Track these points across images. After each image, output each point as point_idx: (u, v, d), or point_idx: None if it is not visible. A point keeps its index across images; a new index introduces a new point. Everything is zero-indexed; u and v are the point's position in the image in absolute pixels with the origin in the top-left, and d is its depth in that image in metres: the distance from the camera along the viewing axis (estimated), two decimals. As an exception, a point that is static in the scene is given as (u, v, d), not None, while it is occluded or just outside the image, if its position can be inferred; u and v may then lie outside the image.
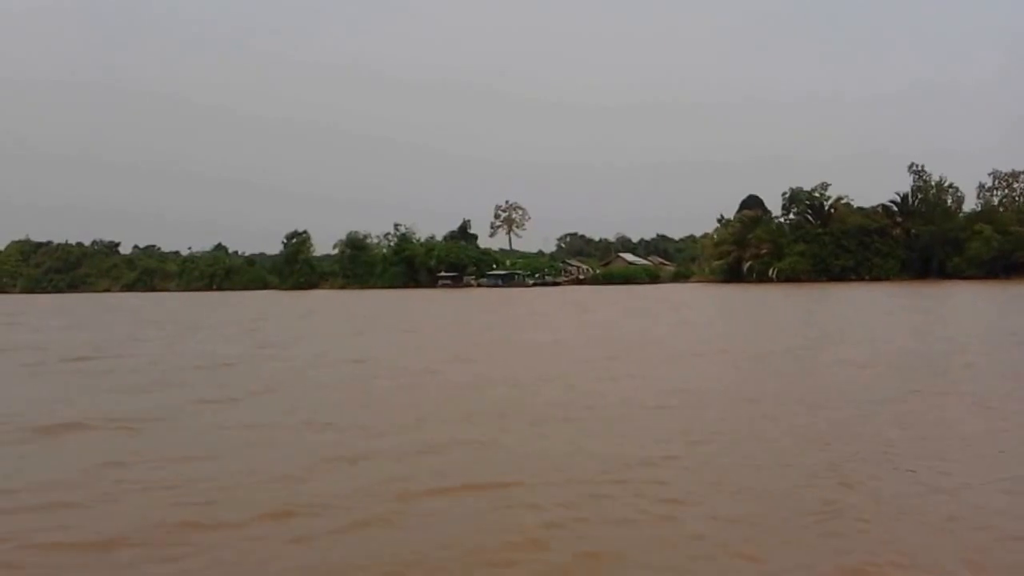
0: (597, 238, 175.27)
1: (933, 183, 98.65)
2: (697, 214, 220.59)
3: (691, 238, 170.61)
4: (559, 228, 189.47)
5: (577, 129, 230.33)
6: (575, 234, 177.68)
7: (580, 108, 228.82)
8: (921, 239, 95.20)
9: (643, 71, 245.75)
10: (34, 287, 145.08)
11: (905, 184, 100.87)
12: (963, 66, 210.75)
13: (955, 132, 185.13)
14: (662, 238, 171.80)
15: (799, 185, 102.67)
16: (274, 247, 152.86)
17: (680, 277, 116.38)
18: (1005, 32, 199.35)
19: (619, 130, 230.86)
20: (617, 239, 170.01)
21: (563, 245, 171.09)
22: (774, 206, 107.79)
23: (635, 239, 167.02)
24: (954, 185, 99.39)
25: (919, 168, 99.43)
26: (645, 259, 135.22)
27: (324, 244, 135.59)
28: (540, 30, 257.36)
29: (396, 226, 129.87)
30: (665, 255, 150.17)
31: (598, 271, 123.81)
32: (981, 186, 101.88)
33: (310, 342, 25.41)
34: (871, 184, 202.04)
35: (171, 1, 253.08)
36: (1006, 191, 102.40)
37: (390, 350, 22.01)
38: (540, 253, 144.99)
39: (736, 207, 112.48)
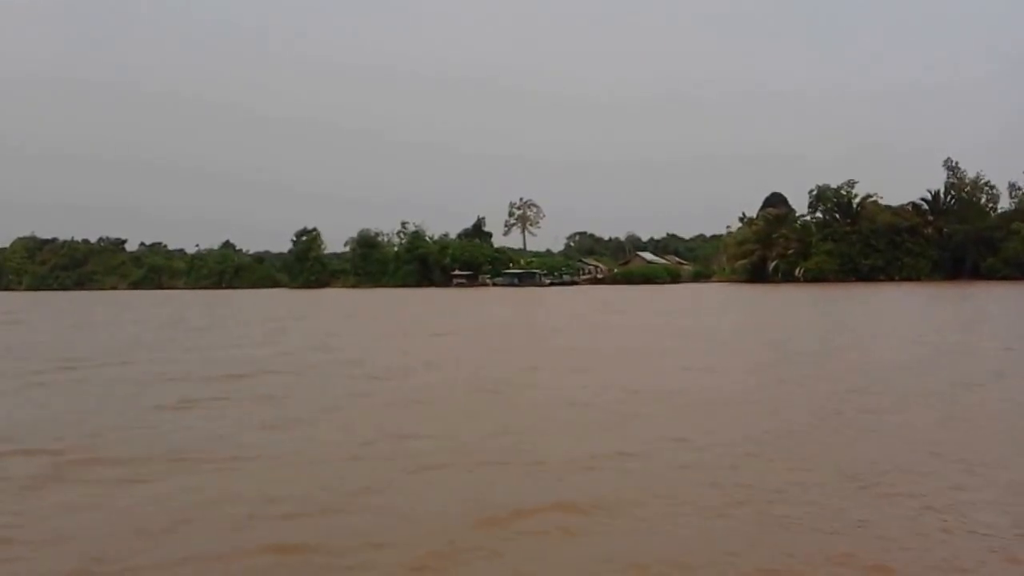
0: (607, 237, 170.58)
1: (968, 180, 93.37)
2: (705, 213, 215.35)
3: (701, 237, 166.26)
4: (565, 227, 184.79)
5: (580, 126, 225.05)
6: (584, 233, 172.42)
7: (584, 105, 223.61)
8: (954, 238, 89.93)
9: (645, 67, 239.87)
10: (40, 285, 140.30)
11: (915, 180, 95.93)
12: (968, 64, 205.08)
13: (958, 130, 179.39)
14: (672, 237, 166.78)
15: (794, 185, 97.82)
16: (279, 245, 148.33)
17: (701, 277, 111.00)
18: (1005, 33, 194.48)
19: (621, 127, 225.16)
20: (627, 238, 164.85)
21: (572, 244, 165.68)
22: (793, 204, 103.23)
23: (644, 238, 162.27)
24: (990, 183, 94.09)
25: (953, 164, 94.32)
26: (662, 258, 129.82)
27: (331, 242, 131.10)
28: (542, 26, 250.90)
29: (404, 224, 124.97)
30: (677, 254, 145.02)
31: (616, 270, 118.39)
32: (1012, 185, 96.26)
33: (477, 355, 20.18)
34: (877, 181, 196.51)
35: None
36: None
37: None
38: (548, 252, 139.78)
39: (742, 205, 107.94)
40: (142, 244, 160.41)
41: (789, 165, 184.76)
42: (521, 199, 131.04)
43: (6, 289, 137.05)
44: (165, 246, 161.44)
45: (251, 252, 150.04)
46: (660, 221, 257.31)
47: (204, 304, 62.02)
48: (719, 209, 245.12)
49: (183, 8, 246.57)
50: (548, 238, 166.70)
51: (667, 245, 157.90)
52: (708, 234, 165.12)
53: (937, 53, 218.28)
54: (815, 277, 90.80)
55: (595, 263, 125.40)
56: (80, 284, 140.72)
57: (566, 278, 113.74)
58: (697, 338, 23.61)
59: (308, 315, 42.68)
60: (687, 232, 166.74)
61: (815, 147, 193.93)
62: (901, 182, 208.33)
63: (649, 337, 24.23)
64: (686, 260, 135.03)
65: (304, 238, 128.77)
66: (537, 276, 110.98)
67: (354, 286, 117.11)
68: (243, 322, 36.47)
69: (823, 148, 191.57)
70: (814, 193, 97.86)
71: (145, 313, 47.44)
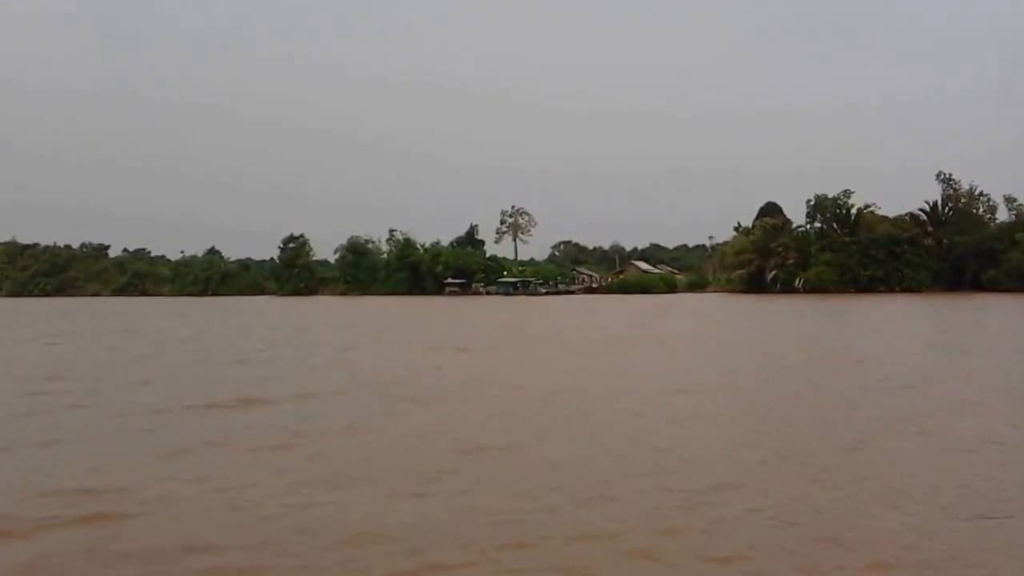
0: (591, 246, 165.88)
1: (964, 192, 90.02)
2: (682, 224, 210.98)
3: (684, 247, 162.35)
4: (548, 237, 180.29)
5: (562, 137, 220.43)
6: (569, 242, 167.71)
7: (568, 116, 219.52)
8: (955, 249, 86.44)
9: (631, 80, 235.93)
10: (20, 291, 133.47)
11: (897, 196, 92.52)
12: (960, 78, 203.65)
13: (945, 146, 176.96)
14: (656, 247, 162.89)
15: (775, 198, 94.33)
16: (263, 252, 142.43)
17: (696, 287, 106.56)
18: (1000, 48, 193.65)
19: (604, 139, 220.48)
20: (612, 247, 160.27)
21: (557, 253, 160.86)
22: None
23: (628, 248, 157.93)
24: (985, 194, 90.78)
25: (947, 176, 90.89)
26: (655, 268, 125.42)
27: (317, 249, 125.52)
28: (530, 36, 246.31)
29: (392, 231, 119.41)
30: (662, 264, 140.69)
31: (611, 280, 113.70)
32: (1008, 198, 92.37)
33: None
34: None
35: (164, 4, 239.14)
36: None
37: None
38: (532, 261, 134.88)
39: (723, 216, 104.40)
40: (125, 250, 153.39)
41: (765, 179, 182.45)
42: (513, 207, 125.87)
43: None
44: (148, 252, 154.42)
45: (234, 259, 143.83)
46: (644, 231, 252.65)
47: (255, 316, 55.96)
48: (699, 221, 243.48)
49: (170, 14, 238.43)
50: (533, 247, 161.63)
51: (652, 255, 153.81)
52: (691, 244, 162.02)
53: (924, 68, 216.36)
54: (815, 287, 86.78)
55: (589, 272, 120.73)
56: (62, 290, 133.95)
57: (561, 287, 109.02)
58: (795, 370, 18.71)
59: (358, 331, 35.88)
60: (670, 243, 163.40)
61: (793, 161, 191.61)
62: (882, 199, 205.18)
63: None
64: (673, 270, 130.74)
65: (292, 245, 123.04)
66: (532, 285, 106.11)
67: (343, 294, 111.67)
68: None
69: (805, 162, 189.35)
70: (812, 203, 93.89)
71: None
